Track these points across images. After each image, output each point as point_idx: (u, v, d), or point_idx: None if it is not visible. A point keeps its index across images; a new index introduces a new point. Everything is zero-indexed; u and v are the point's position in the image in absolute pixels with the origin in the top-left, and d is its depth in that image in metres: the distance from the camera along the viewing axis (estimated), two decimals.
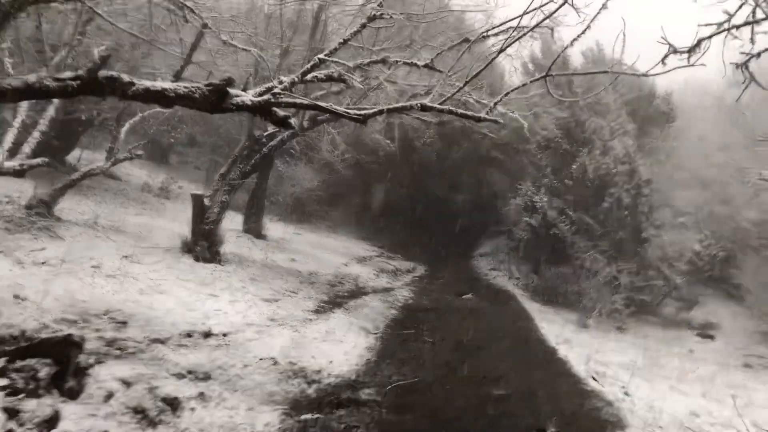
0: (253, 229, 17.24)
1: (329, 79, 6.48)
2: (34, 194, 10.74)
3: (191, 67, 10.31)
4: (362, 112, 5.67)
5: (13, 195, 11.14)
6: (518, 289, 18.72)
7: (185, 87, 5.34)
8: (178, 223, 13.28)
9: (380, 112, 5.88)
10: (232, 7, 12.34)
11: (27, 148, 9.76)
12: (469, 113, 6.14)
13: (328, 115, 11.24)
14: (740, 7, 5.30)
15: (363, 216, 25.95)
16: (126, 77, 5.16)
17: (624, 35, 5.57)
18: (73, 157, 17.60)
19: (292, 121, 5.64)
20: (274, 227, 18.61)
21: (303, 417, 5.66)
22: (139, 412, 4.89)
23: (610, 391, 7.75)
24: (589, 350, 10.70)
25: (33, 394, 4.51)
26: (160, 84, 5.37)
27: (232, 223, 15.72)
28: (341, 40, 6.66)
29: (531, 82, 6.31)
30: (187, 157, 28.72)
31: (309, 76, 6.23)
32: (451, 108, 6.02)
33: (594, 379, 8.27)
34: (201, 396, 5.56)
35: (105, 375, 5.22)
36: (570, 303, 15.63)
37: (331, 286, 13.25)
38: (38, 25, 8.04)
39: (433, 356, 8.71)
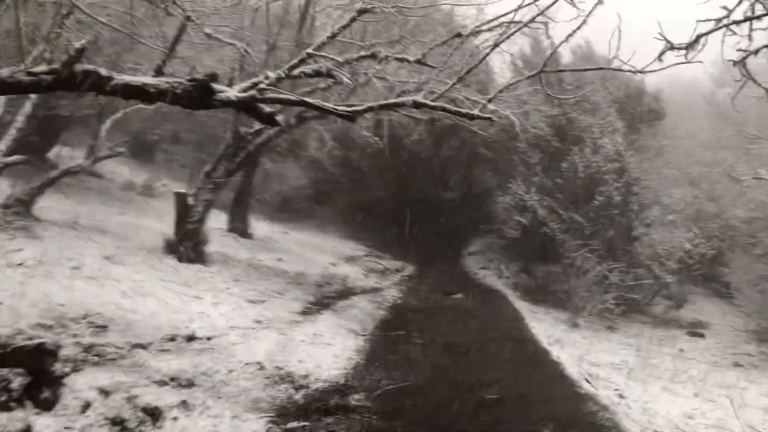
0: (239, 228, 17.00)
1: (317, 74, 6.25)
2: (12, 193, 10.43)
3: (175, 62, 10.03)
4: (352, 108, 5.45)
5: None
6: (508, 288, 18.61)
7: (167, 82, 5.11)
8: (162, 222, 13.01)
9: (370, 108, 5.67)
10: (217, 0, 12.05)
11: (3, 146, 9.46)
12: (463, 111, 5.95)
13: (315, 111, 11.05)
14: (740, 2, 5.16)
15: (351, 214, 25.73)
16: (104, 71, 4.92)
17: (619, 31, 5.44)
18: (53, 154, 17.21)
19: (279, 117, 5.41)
20: (260, 226, 18.39)
21: (290, 425, 5.44)
22: (117, 423, 4.65)
23: (605, 395, 7.60)
24: (580, 351, 10.59)
25: (4, 407, 4.25)
26: (140, 79, 5.13)
27: (217, 222, 15.44)
28: (330, 34, 6.45)
29: (526, 78, 6.13)
30: (172, 154, 28.27)
31: (296, 72, 5.99)
32: (444, 105, 5.83)
33: (587, 381, 8.13)
34: (183, 404, 5.32)
35: (82, 384, 4.97)
36: (560, 302, 15.52)
37: (319, 287, 13.04)
38: (17, 20, 7.75)
39: (424, 359, 8.53)
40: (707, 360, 12.31)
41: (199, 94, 5.00)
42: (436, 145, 25.61)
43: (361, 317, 10.85)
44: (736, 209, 18.43)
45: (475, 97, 11.87)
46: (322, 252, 18.90)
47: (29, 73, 4.61)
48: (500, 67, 22.19)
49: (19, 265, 7.88)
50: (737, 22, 5.23)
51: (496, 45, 5.95)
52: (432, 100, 5.81)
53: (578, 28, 5.53)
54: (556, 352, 10.06)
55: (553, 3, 5.66)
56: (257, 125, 12.52)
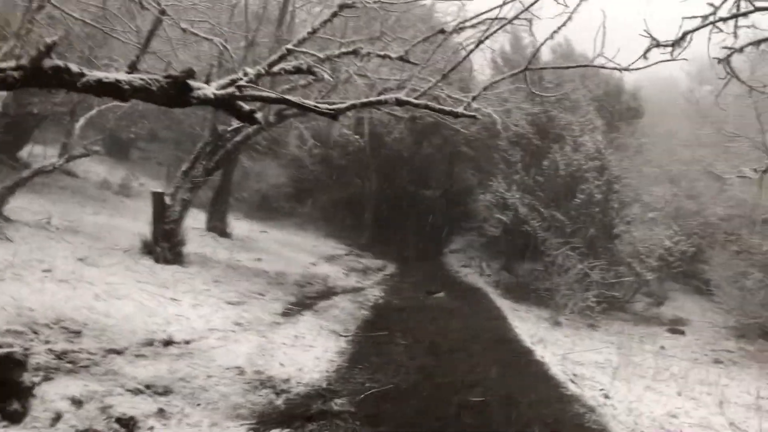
0: (218, 227, 16.75)
1: (298, 71, 6.07)
2: None
3: (152, 59, 9.80)
4: (334, 106, 5.30)
5: None
6: (490, 286, 18.60)
7: (141, 79, 4.92)
8: (139, 222, 12.73)
9: (353, 106, 5.53)
10: None
11: None
12: (447, 108, 5.84)
13: (295, 109, 10.86)
14: None
15: (331, 213, 25.56)
16: (75, 67, 4.71)
17: (604, 28, 5.36)
18: (26, 153, 16.78)
19: (258, 115, 5.24)
20: (239, 225, 18.15)
21: None
22: None
23: (590, 395, 7.54)
24: (563, 350, 10.56)
25: None
26: (113, 75, 4.93)
27: (195, 221, 15.18)
28: (310, 29, 6.29)
29: (511, 75, 6.03)
30: (149, 152, 27.86)
31: (276, 68, 5.82)
32: (427, 103, 5.70)
33: (573, 382, 8.07)
34: (160, 413, 5.13)
35: (53, 394, 4.75)
36: (542, 300, 15.53)
37: (300, 287, 12.85)
38: None
39: (407, 360, 8.40)
40: (688, 357, 12.37)
41: (176, 91, 4.84)
42: (417, 144, 25.54)
43: (342, 318, 10.71)
44: (716, 207, 18.66)
45: (458, 95, 11.81)
46: (302, 251, 18.71)
47: None
48: (480, 64, 22.15)
49: None
50: (724, 19, 5.19)
51: (480, 41, 5.84)
52: (415, 98, 5.69)
53: (563, 24, 5.44)
54: (540, 352, 10.01)
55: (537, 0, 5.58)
56: (236, 123, 12.29)
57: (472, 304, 15.04)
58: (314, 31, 6.47)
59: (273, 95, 5.45)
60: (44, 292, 7.31)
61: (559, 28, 5.42)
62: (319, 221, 25.06)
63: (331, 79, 8.54)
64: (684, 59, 5.43)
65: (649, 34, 5.15)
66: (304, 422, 5.61)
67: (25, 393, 4.56)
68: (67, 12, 8.01)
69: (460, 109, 5.74)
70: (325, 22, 6.66)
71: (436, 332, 10.68)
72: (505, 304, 15.42)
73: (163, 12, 6.19)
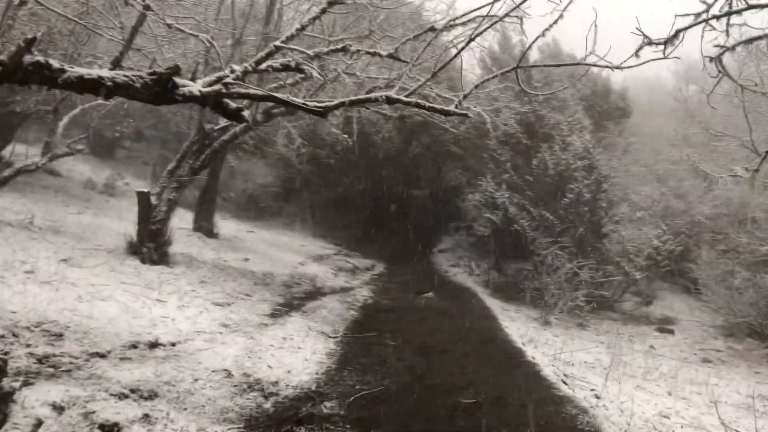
0: (204, 227, 16.57)
1: (286, 68, 5.97)
2: None
3: (137, 56, 9.64)
4: (323, 104, 5.20)
5: None
6: (479, 286, 18.55)
7: (125, 75, 4.80)
8: (124, 222, 12.54)
9: (342, 104, 5.43)
10: None
11: None
12: (438, 106, 5.76)
13: (283, 107, 10.73)
14: None
15: (319, 212, 25.42)
16: (56, 64, 4.59)
17: (596, 26, 5.30)
18: (8, 152, 16.49)
19: (245, 113, 5.13)
20: (226, 225, 17.97)
21: None
22: None
23: (582, 396, 7.49)
24: (554, 349, 10.50)
25: None
26: (96, 72, 4.80)
27: (181, 221, 15.00)
28: (299, 26, 6.17)
29: (502, 74, 5.95)
30: (135, 151, 27.56)
31: (264, 65, 5.71)
32: (418, 101, 5.62)
33: (564, 383, 8.01)
34: (145, 418, 4.99)
35: (33, 400, 4.61)
36: (531, 299, 15.49)
37: (287, 288, 12.73)
38: None
39: (397, 361, 8.30)
40: (677, 356, 12.40)
41: (161, 88, 4.73)
42: (405, 143, 25.47)
43: (331, 318, 10.59)
44: (703, 206, 18.75)
45: (447, 94, 11.74)
46: (289, 251, 18.57)
47: None
48: (470, 63, 22.15)
49: None
50: (717, 17, 5.15)
51: (471, 39, 5.75)
52: (405, 96, 5.60)
53: (555, 21, 5.38)
54: (531, 352, 9.96)
55: None
56: (223, 121, 12.14)
57: (462, 304, 14.97)
58: (303, 28, 6.36)
59: (260, 93, 5.34)
60: (26, 293, 7.16)
61: (550, 26, 5.36)
62: (307, 221, 24.92)
63: (320, 77, 8.42)
64: (676, 57, 5.41)
65: (641, 32, 5.10)
66: (293, 426, 5.49)
67: (4, 399, 4.40)
68: (50, 8, 7.84)
69: (451, 107, 5.66)
70: (314, 18, 6.56)
71: (425, 333, 10.60)
72: (494, 304, 15.37)
73: (147, 8, 6.07)
